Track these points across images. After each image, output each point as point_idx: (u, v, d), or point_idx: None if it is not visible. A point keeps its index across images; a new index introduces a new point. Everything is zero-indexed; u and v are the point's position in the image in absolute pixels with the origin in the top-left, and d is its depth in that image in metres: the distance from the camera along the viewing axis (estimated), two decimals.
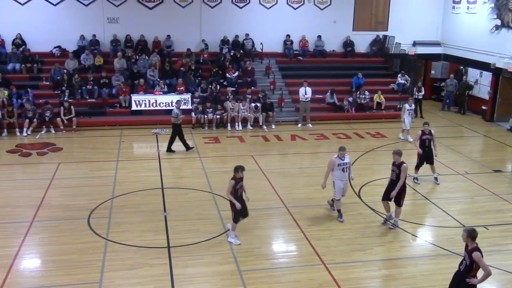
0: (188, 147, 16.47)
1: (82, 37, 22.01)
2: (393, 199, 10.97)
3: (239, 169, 10.04)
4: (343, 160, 11.08)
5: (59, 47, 21.98)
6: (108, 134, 18.51)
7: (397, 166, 10.78)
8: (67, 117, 18.54)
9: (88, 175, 14.25)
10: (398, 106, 21.82)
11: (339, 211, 11.48)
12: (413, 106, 18.39)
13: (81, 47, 21.93)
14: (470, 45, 23.08)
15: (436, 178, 14.02)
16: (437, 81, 25.28)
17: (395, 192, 10.78)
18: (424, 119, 20.47)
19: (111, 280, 8.97)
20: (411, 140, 17.88)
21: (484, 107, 22.07)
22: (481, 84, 22.54)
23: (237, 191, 10.06)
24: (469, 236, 7.26)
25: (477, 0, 22.62)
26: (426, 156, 13.78)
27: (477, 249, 7.21)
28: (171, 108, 19.83)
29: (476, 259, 7.14)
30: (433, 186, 13.91)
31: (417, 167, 14.00)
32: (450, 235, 10.82)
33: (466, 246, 7.38)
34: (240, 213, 10.20)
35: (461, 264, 7.47)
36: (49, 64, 21.16)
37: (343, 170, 11.10)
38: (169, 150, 16.36)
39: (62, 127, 18.44)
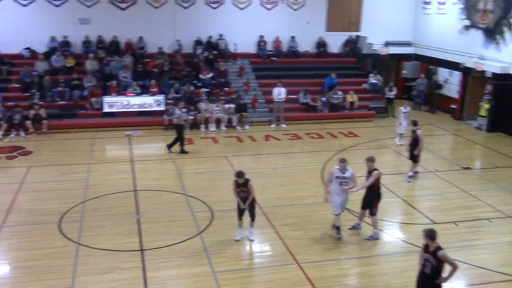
0: (183, 151, 16.37)
1: (53, 39, 21.64)
2: (366, 207, 10.75)
3: (236, 174, 10.21)
4: (343, 173, 10.25)
5: (28, 48, 21.56)
6: (79, 136, 18.25)
7: (370, 173, 10.50)
8: (35, 114, 18.15)
9: (59, 179, 14.03)
10: (370, 106, 22.10)
11: (338, 227, 10.73)
12: (408, 109, 17.86)
13: (52, 48, 21.56)
14: (440, 45, 23.50)
15: (409, 176, 14.26)
16: (409, 81, 25.65)
17: (356, 189, 10.45)
18: (396, 118, 20.79)
19: (83, 284, 8.86)
20: (399, 143, 17.84)
21: (453, 106, 22.51)
22: (450, 84, 22.97)
23: (238, 193, 10.22)
24: (428, 236, 7.28)
25: (447, 1, 23.08)
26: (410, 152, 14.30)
27: (440, 247, 7.26)
28: (143, 109, 19.81)
29: (443, 257, 7.19)
30: (404, 184, 14.13)
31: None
32: (421, 232, 10.93)
33: (426, 247, 7.37)
34: (239, 212, 10.40)
35: (424, 266, 7.38)
36: (18, 66, 20.74)
37: (340, 183, 10.29)
38: (183, 151, 16.34)
39: (32, 130, 18.09)
